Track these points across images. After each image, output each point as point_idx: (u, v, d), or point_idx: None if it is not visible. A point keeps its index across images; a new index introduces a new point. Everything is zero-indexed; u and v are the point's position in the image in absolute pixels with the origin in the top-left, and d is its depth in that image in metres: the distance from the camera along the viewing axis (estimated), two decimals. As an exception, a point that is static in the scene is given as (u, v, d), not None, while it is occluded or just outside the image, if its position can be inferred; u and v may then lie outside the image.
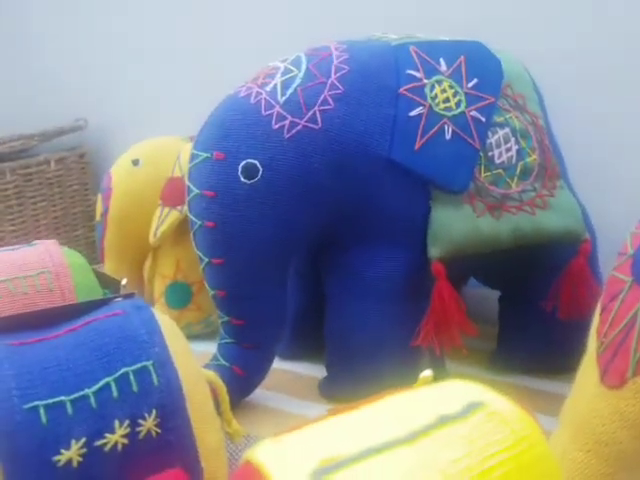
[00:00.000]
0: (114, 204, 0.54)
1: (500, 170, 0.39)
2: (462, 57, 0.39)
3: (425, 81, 0.37)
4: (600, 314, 0.30)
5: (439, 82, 0.38)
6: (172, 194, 0.53)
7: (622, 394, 0.27)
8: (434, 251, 0.37)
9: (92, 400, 0.24)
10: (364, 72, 0.37)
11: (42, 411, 0.23)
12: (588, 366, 0.30)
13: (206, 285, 0.41)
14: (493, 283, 0.47)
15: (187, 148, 0.54)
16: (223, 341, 0.41)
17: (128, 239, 0.54)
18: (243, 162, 0.36)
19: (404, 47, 0.39)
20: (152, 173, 0.54)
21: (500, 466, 0.17)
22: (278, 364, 0.45)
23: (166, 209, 0.53)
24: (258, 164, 0.36)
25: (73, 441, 0.23)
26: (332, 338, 0.42)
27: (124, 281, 0.32)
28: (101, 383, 0.25)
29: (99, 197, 0.56)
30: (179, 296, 0.53)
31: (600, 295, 0.34)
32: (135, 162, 0.54)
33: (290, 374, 0.47)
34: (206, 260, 0.39)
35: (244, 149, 0.36)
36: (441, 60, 0.38)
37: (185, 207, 0.51)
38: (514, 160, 0.40)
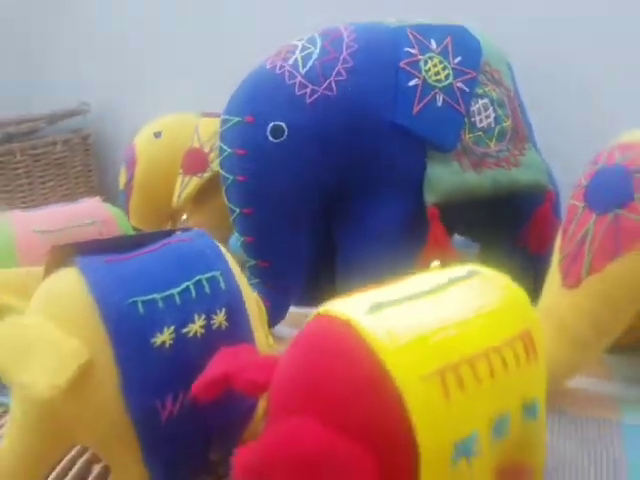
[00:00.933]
0: (139, 171, 0.60)
1: (481, 133, 0.47)
2: (449, 38, 0.47)
3: (420, 57, 0.45)
4: (561, 235, 0.38)
5: (431, 58, 0.45)
6: (192, 163, 0.60)
7: (578, 291, 0.36)
8: (429, 197, 0.45)
9: (177, 298, 0.31)
10: (370, 49, 0.45)
11: (140, 305, 0.30)
12: (553, 274, 0.38)
13: (236, 233, 0.48)
14: (474, 234, 0.55)
15: (203, 122, 0.61)
16: (250, 282, 0.48)
17: (151, 204, 0.60)
18: (271, 124, 0.43)
19: (402, 29, 0.46)
20: (172, 144, 0.61)
21: (488, 311, 0.25)
22: (294, 309, 0.53)
23: (187, 177, 0.60)
24: (284, 125, 0.43)
25: (165, 328, 0.30)
26: (342, 278, 0.49)
27: (185, 216, 0.38)
28: (183, 286, 0.32)
29: (122, 168, 0.62)
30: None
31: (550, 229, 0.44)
32: (157, 134, 0.61)
33: (304, 316, 0.54)
34: (237, 211, 0.46)
35: (271, 113, 0.43)
36: (432, 40, 0.46)
37: (205, 174, 0.59)
38: (492, 125, 0.48)
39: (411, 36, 0.46)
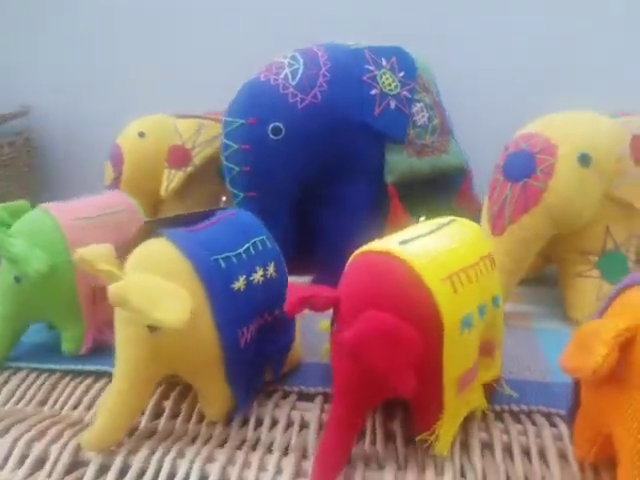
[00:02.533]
0: (127, 169, 0.68)
1: (420, 129, 0.62)
2: (394, 57, 0.61)
3: (376, 72, 0.59)
4: (488, 200, 0.54)
5: (384, 73, 0.60)
6: (176, 158, 0.69)
7: (503, 237, 0.52)
8: (389, 178, 0.60)
9: (243, 255, 0.42)
10: (340, 66, 0.58)
11: (221, 261, 0.40)
12: (483, 227, 0.54)
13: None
14: (415, 209, 0.71)
15: (180, 122, 0.70)
16: None
17: (138, 197, 0.67)
18: (271, 124, 0.54)
19: (360, 50, 0.60)
20: (155, 143, 0.69)
21: (467, 241, 0.39)
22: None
23: (173, 170, 0.68)
24: (281, 125, 0.54)
25: (239, 277, 0.41)
26: (324, 249, 0.62)
27: (224, 198, 0.48)
28: (245, 246, 0.42)
29: (108, 165, 0.69)
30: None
31: (478, 204, 0.61)
32: (141, 134, 0.69)
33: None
34: (242, 195, 0.56)
35: (271, 115, 0.54)
36: (383, 59, 0.60)
37: (188, 168, 0.68)
38: (427, 123, 0.63)
39: (368, 56, 0.60)
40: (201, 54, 0.86)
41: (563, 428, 0.41)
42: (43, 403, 0.47)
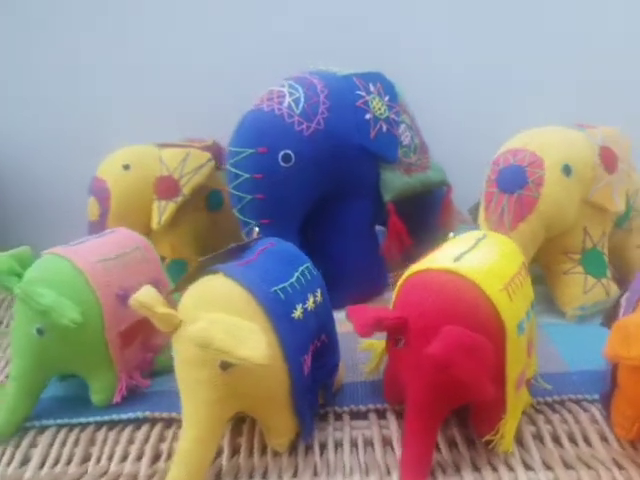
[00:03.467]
0: (115, 203, 0.65)
1: (406, 148, 0.66)
2: (379, 83, 0.65)
3: (367, 98, 0.62)
4: (484, 212, 0.59)
5: (374, 98, 0.63)
6: (165, 189, 0.67)
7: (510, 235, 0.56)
8: (386, 196, 0.63)
9: (296, 284, 0.43)
10: (336, 93, 0.60)
11: (279, 292, 0.41)
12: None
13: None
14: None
15: (165, 153, 0.69)
16: None
17: (127, 231, 0.65)
18: (281, 152, 0.55)
19: (349, 77, 0.63)
20: (141, 174, 0.67)
21: (506, 252, 0.43)
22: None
23: (163, 202, 0.67)
24: (291, 153, 0.56)
25: (297, 305, 0.42)
26: (324, 268, 0.63)
27: (257, 229, 0.48)
28: (295, 276, 0.43)
29: (92, 201, 0.65)
30: (181, 271, 0.67)
31: (460, 216, 0.67)
32: (126, 167, 0.66)
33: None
34: (254, 223, 0.57)
35: (280, 144, 0.55)
36: (370, 85, 0.64)
37: (179, 198, 0.67)
38: (410, 142, 0.67)
39: (357, 82, 0.63)
40: (167, 84, 0.85)
41: (594, 411, 0.46)
42: (86, 460, 0.44)
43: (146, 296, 0.38)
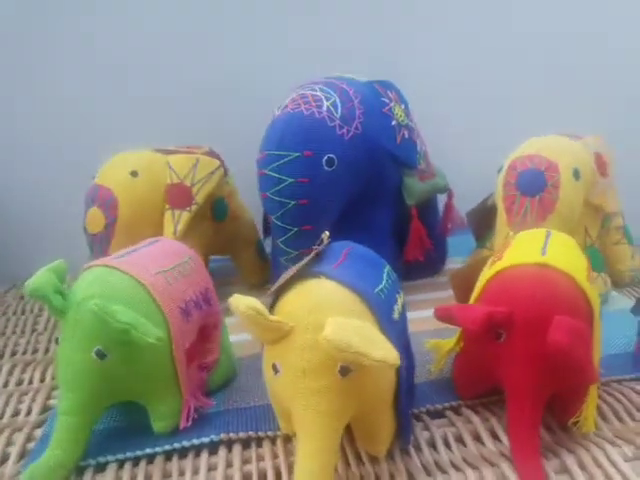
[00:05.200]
0: (123, 213, 0.59)
1: (419, 155, 0.68)
2: (394, 90, 0.66)
3: (390, 105, 0.63)
4: (506, 214, 0.62)
5: (395, 105, 0.64)
6: (177, 198, 0.63)
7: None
8: (409, 200, 0.64)
9: (387, 286, 0.42)
10: (366, 99, 0.60)
11: (380, 293, 0.40)
12: (503, 235, 0.62)
13: (284, 249, 0.56)
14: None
15: (172, 158, 0.64)
16: None
17: (135, 243, 0.59)
18: (325, 156, 0.54)
19: (371, 84, 0.63)
20: (150, 182, 0.62)
21: (573, 246, 0.46)
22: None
23: (177, 211, 0.62)
24: (334, 157, 0.55)
25: (394, 306, 0.41)
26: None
27: (327, 233, 0.46)
28: (384, 277, 0.43)
29: (95, 211, 0.59)
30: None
31: (461, 219, 0.71)
32: (133, 174, 0.61)
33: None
34: (295, 229, 0.55)
35: (325, 147, 0.54)
36: (388, 92, 0.65)
37: (192, 207, 0.63)
38: (420, 149, 0.69)
39: (379, 89, 0.64)
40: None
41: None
42: (167, 494, 0.39)
43: (255, 303, 0.36)
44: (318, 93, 0.58)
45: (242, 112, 0.79)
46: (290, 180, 0.54)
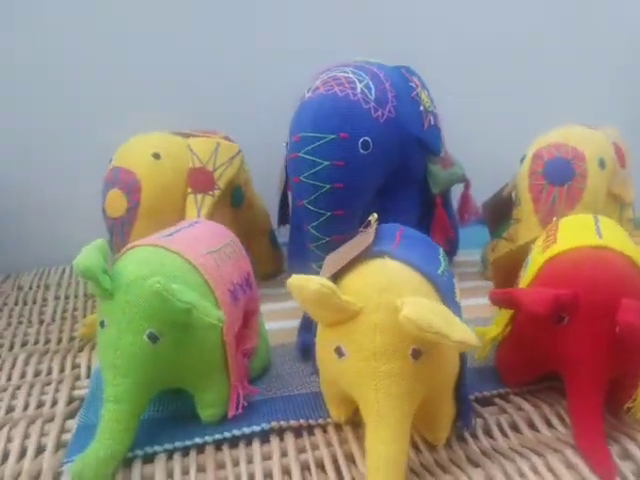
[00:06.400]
0: (146, 197, 0.56)
1: (442, 142, 0.68)
2: (416, 76, 0.65)
3: (418, 90, 0.62)
4: (533, 203, 0.62)
5: (421, 91, 0.63)
6: (200, 182, 0.60)
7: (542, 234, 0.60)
8: (435, 188, 0.63)
9: (447, 268, 0.41)
10: (397, 83, 0.59)
11: (442, 274, 0.39)
12: (530, 228, 0.61)
13: (316, 235, 0.54)
14: None
15: (193, 142, 0.62)
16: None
17: (157, 227, 0.56)
18: (361, 139, 0.53)
19: (398, 68, 0.62)
20: (172, 164, 0.59)
21: (620, 229, 0.46)
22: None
23: (199, 195, 0.59)
24: (369, 140, 0.53)
25: (454, 289, 0.40)
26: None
27: (375, 215, 0.44)
28: (441, 257, 0.42)
29: (116, 193, 0.55)
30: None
31: (477, 209, 0.71)
32: (156, 156, 0.58)
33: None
34: (328, 214, 0.53)
35: (360, 130, 0.53)
36: (414, 77, 0.64)
37: (215, 192, 0.60)
38: (442, 136, 0.69)
39: (405, 74, 0.62)
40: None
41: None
42: (224, 484, 0.37)
43: (327, 281, 0.34)
44: (350, 75, 0.56)
45: (254, 101, 0.77)
46: (326, 163, 0.52)
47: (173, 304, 0.35)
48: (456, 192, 0.75)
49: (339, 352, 0.36)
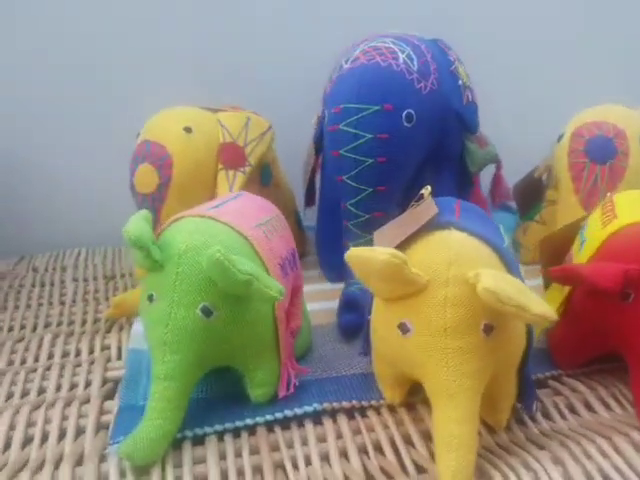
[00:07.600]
0: (178, 172, 0.54)
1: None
2: (452, 50, 0.63)
3: (456, 64, 0.60)
4: (573, 182, 0.60)
5: (459, 65, 0.61)
6: (232, 158, 0.58)
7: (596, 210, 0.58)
8: (473, 167, 0.61)
9: (509, 243, 0.39)
10: (437, 55, 0.57)
11: (507, 245, 0.37)
12: (569, 207, 0.60)
13: (354, 212, 0.52)
14: None
15: (223, 116, 0.60)
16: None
17: (189, 203, 0.54)
18: (405, 111, 0.50)
19: (434, 41, 0.60)
20: (203, 139, 0.56)
21: None
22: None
23: (231, 172, 0.57)
24: (413, 112, 0.51)
25: (517, 263, 0.38)
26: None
27: (429, 188, 0.42)
28: (501, 232, 0.40)
29: (147, 168, 0.53)
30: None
31: (505, 189, 0.69)
32: (188, 130, 0.55)
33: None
34: (369, 190, 0.51)
35: (404, 102, 0.50)
36: (450, 51, 0.61)
37: (246, 168, 0.58)
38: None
39: (443, 47, 0.60)
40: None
41: None
42: (277, 466, 0.35)
43: (395, 252, 0.32)
44: (391, 45, 0.54)
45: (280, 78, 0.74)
46: (369, 136, 0.50)
47: (234, 275, 0.32)
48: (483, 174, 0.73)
49: (403, 328, 0.34)
